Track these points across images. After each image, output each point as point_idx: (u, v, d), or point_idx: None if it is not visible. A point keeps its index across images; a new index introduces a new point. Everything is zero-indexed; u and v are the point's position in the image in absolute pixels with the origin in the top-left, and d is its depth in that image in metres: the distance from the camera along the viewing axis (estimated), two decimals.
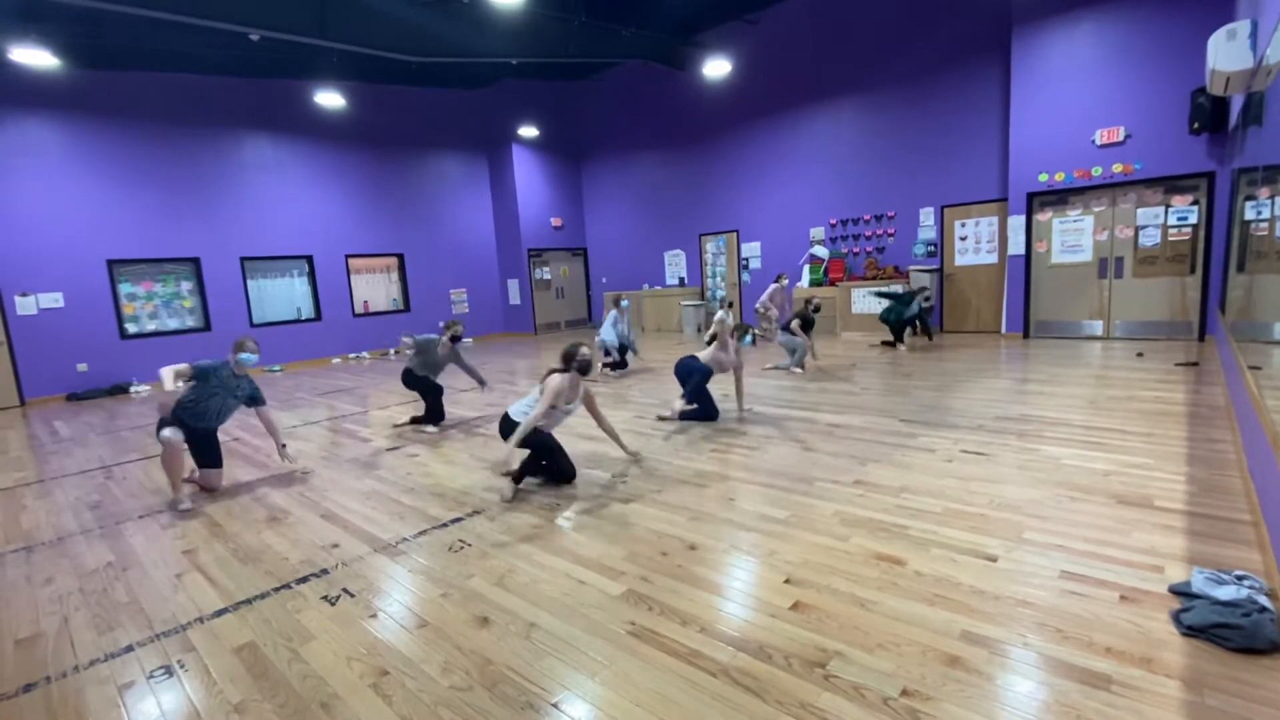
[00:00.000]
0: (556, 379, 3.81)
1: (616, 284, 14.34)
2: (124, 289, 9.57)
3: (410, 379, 5.74)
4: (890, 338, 8.64)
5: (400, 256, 12.66)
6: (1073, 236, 8.22)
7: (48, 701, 2.09)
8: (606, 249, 14.71)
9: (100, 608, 2.72)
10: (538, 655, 2.14)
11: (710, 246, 12.81)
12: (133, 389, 9.37)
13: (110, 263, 9.35)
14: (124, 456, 5.47)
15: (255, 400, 4.32)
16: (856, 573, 2.53)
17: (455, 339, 5.81)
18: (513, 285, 14.16)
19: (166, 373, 3.87)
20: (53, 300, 8.88)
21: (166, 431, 3.91)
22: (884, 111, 9.93)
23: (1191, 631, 2.01)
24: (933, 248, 9.74)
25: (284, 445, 4.45)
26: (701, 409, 5.23)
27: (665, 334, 12.56)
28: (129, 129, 9.41)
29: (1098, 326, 8.25)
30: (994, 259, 9.20)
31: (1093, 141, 7.84)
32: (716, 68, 10.32)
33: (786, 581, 2.51)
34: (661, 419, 5.34)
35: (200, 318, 10.24)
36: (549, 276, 14.49)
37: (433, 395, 5.70)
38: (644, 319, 13.50)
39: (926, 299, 8.59)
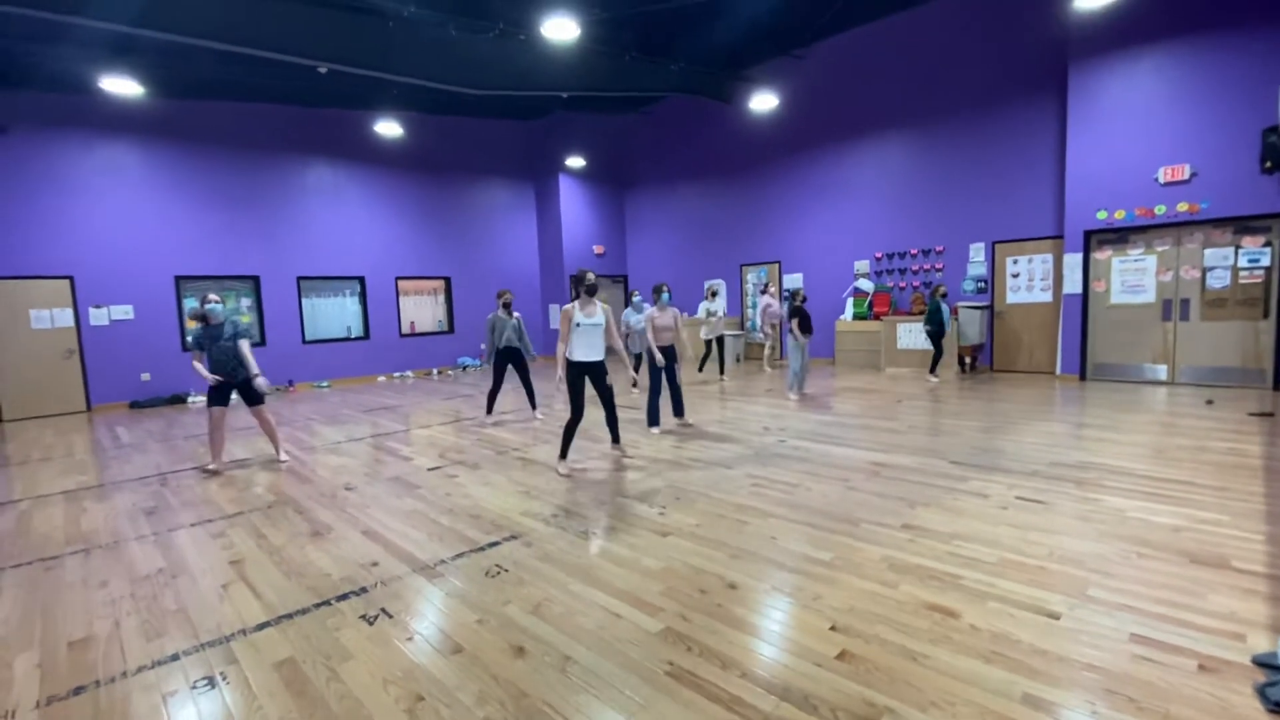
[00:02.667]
0: (566, 306, 4.65)
1: None
2: (188, 304, 10.06)
3: (497, 360, 6.82)
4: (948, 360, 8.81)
5: (447, 279, 13.00)
6: (1134, 276, 7.91)
7: (95, 705, 2.14)
8: (647, 277, 14.81)
9: (150, 614, 2.79)
10: (573, 690, 2.09)
11: (751, 277, 12.77)
12: (190, 399, 9.77)
13: (178, 279, 9.86)
14: (180, 465, 5.67)
15: (237, 335, 5.22)
16: (907, 623, 2.42)
17: (507, 306, 6.89)
18: (554, 310, 14.35)
19: (194, 364, 5.17)
20: (123, 313, 9.39)
21: (214, 408, 5.19)
22: (934, 145, 9.82)
23: (1279, 708, 1.84)
24: (983, 284, 9.49)
25: (257, 375, 5.29)
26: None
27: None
28: (201, 153, 10.00)
29: (1161, 371, 7.86)
30: (1048, 297, 8.90)
31: (1155, 179, 7.57)
32: (763, 101, 10.41)
33: (832, 628, 2.40)
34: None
35: (257, 333, 10.66)
36: None
37: (522, 370, 6.92)
38: (683, 346, 13.43)
39: (943, 295, 8.70)
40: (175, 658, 2.42)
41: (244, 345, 5.25)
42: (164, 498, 4.62)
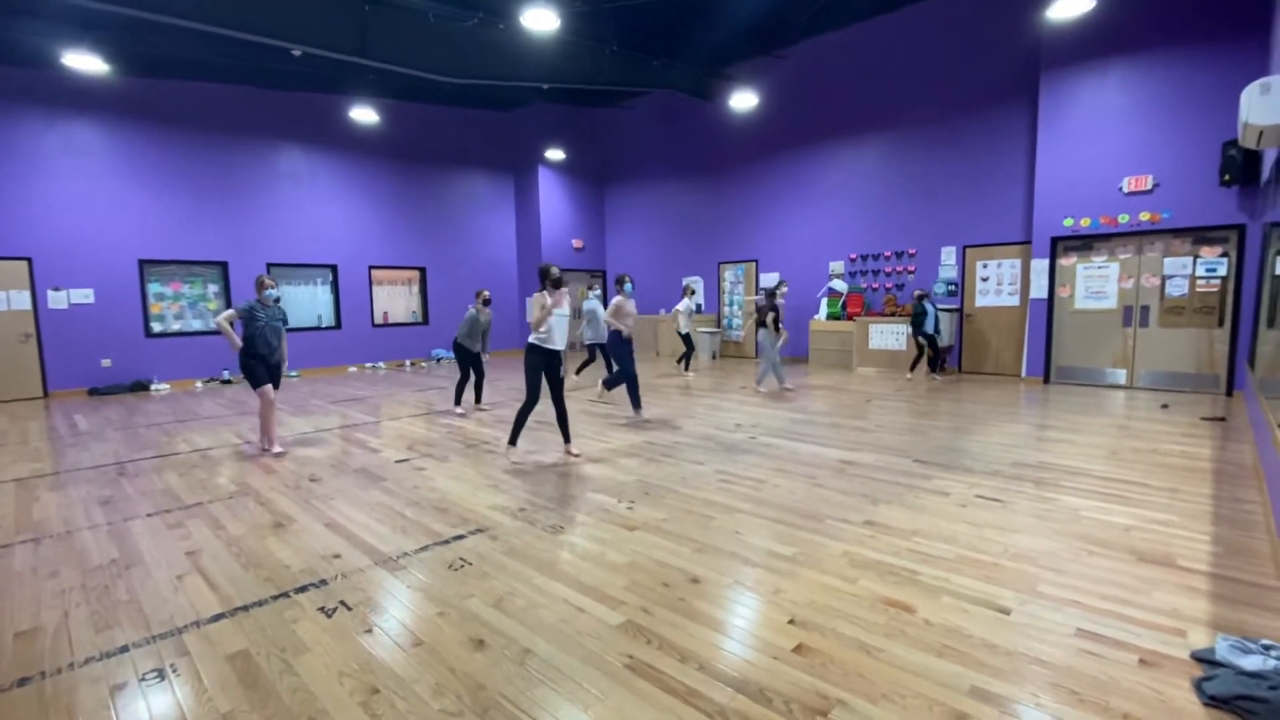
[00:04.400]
0: (537, 295, 4.82)
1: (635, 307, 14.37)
2: (153, 289, 9.79)
3: (459, 351, 7.18)
4: (927, 354, 8.87)
5: (422, 270, 12.84)
6: (1097, 283, 8.12)
7: (41, 697, 2.08)
8: (625, 272, 14.77)
9: (100, 605, 2.72)
10: (531, 684, 2.09)
11: (729, 274, 12.83)
12: (153, 387, 9.52)
13: (142, 262, 9.58)
14: (139, 453, 5.53)
15: (286, 321, 5.55)
16: (863, 617, 2.46)
17: (486, 303, 7.38)
18: (530, 304, 14.25)
19: (222, 320, 5.14)
20: (83, 296, 9.10)
21: (267, 387, 5.27)
22: (909, 149, 9.96)
23: (1214, 702, 1.92)
24: (954, 287, 9.67)
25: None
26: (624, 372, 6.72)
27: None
28: (168, 134, 9.72)
29: (1121, 375, 8.09)
30: (1015, 301, 9.10)
31: (1120, 189, 7.78)
32: (743, 100, 10.45)
33: (790, 622, 2.44)
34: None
35: None
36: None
37: (478, 369, 7.27)
38: (659, 343, 13.50)
39: (926, 298, 8.77)
40: (125, 649, 2.36)
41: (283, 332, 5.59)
42: (121, 487, 4.51)
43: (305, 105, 11.03)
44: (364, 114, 10.63)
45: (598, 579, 2.85)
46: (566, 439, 5.10)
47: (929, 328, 8.64)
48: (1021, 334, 8.96)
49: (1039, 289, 8.45)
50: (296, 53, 8.30)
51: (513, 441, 4.95)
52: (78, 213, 9.02)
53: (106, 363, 9.34)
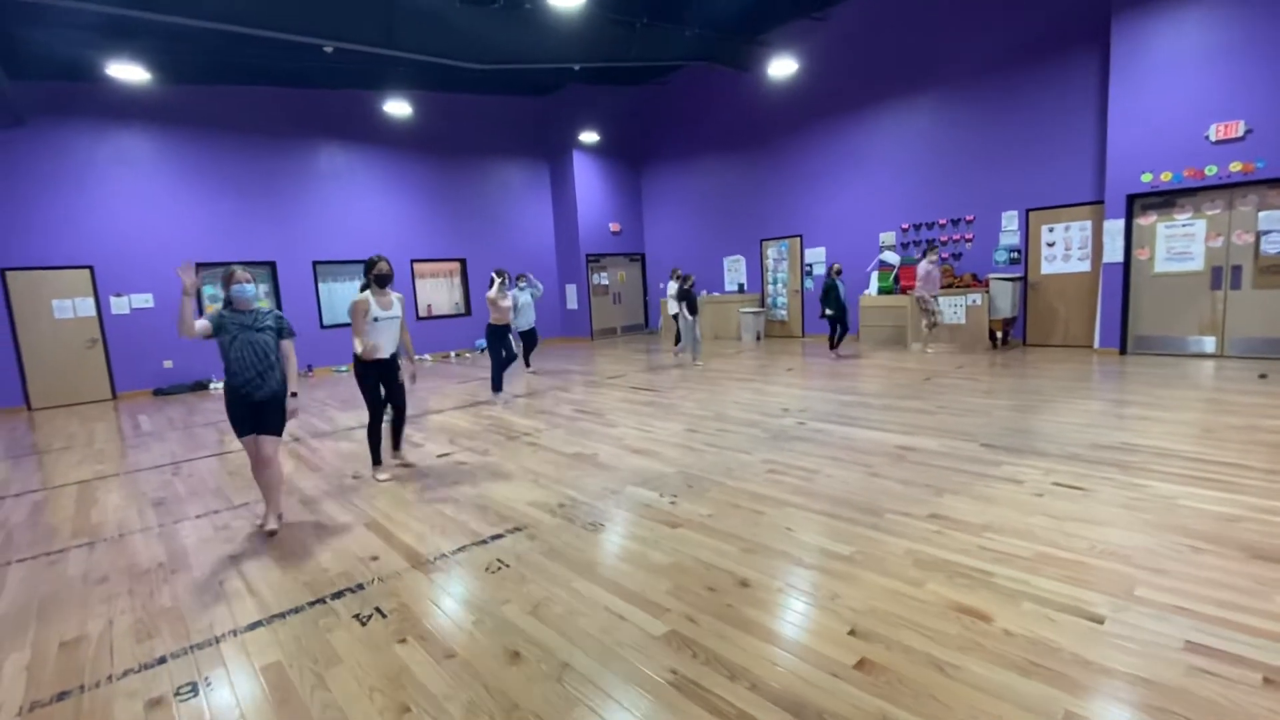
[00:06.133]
0: (357, 297, 4.22)
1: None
2: (207, 291, 10.09)
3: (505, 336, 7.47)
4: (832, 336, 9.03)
5: (463, 261, 12.89)
6: (1181, 242, 7.42)
7: (78, 712, 2.06)
8: (665, 254, 14.52)
9: (145, 612, 2.72)
10: (568, 703, 1.94)
11: (771, 252, 12.41)
12: (211, 385, 9.86)
13: (196, 265, 9.86)
14: (195, 453, 5.67)
15: (282, 332, 3.61)
16: (933, 627, 2.22)
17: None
18: (570, 290, 14.17)
19: (196, 334, 3.36)
20: (143, 300, 9.46)
21: (250, 438, 3.48)
22: (964, 108, 9.31)
23: None
24: (1016, 254, 9.04)
25: (294, 394, 3.63)
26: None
27: (723, 341, 12.24)
28: (213, 139, 9.93)
29: (1209, 343, 7.40)
30: (1086, 267, 8.44)
31: (1206, 138, 7.05)
32: (782, 67, 9.97)
33: (851, 633, 2.22)
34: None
35: None
36: (606, 282, 14.44)
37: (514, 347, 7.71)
38: (701, 325, 13.21)
39: (838, 273, 8.83)
40: (163, 660, 2.34)
41: (289, 348, 3.64)
42: (173, 487, 4.60)
43: (342, 103, 11.11)
44: (398, 107, 10.63)
45: (639, 583, 2.69)
46: (396, 446, 4.75)
47: (833, 307, 8.73)
48: (1093, 302, 8.31)
49: (1113, 252, 7.79)
50: (328, 49, 8.31)
51: (376, 461, 4.50)
52: (132, 220, 9.34)
53: (168, 364, 9.72)
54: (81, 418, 7.98)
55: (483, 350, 12.93)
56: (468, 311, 12.99)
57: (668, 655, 2.16)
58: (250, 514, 3.90)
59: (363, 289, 4.31)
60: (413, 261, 12.18)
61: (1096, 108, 8.05)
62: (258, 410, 3.47)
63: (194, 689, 2.15)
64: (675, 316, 9.47)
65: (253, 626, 2.54)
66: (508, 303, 7.37)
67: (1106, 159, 7.77)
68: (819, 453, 4.42)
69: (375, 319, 4.24)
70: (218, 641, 2.45)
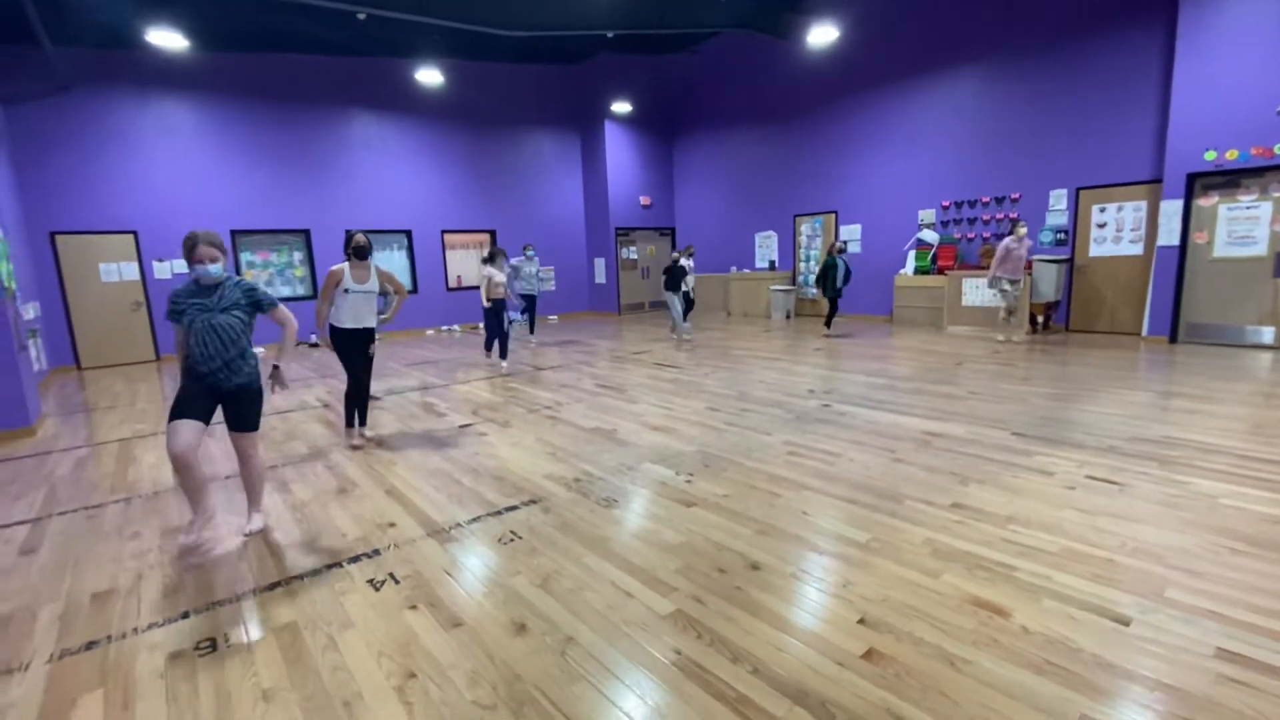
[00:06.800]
0: (335, 267, 4.28)
1: (703, 265, 13.94)
2: (244, 257, 10.33)
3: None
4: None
5: (493, 233, 12.91)
6: (1244, 225, 6.98)
7: (104, 661, 2.15)
8: (695, 229, 14.31)
9: (172, 568, 2.82)
10: (570, 678, 1.95)
11: (805, 228, 12.12)
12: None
13: (234, 233, 10.10)
14: None
15: (260, 305, 3.06)
16: (947, 620, 2.15)
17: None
18: (599, 264, 14.11)
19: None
20: (184, 266, 9.69)
21: (178, 439, 2.77)
22: (1012, 81, 8.85)
23: None
24: (1063, 235, 8.64)
25: (276, 368, 3.14)
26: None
27: (752, 319, 12.07)
28: (250, 107, 10.06)
29: (1268, 334, 7.00)
30: (1138, 250, 8.02)
31: (1277, 113, 6.56)
32: (822, 35, 9.60)
33: (861, 622, 2.17)
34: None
35: (309, 286, 10.90)
36: (635, 256, 14.32)
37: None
38: (730, 303, 13.06)
39: (841, 251, 8.88)
40: (186, 615, 2.42)
41: (283, 315, 3.17)
42: (207, 447, 4.75)
43: (374, 71, 11.11)
44: (430, 75, 10.59)
45: (649, 560, 2.68)
46: (361, 421, 4.67)
47: (831, 288, 8.75)
48: (1144, 287, 7.91)
49: (1169, 234, 7.38)
50: (361, 15, 8.28)
51: (349, 424, 4.63)
52: (173, 187, 9.56)
53: None
54: (127, 378, 8.30)
55: (512, 323, 12.99)
56: None
57: (672, 635, 2.14)
58: (276, 478, 4.01)
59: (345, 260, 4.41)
60: (443, 232, 12.25)
61: (1159, 80, 7.56)
62: (226, 401, 2.97)
63: (213, 645, 2.22)
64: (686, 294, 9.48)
65: (272, 586, 2.61)
66: (501, 277, 7.70)
67: (1168, 135, 7.31)
68: (842, 436, 4.33)
69: (346, 290, 4.32)
70: (238, 599, 2.52)
